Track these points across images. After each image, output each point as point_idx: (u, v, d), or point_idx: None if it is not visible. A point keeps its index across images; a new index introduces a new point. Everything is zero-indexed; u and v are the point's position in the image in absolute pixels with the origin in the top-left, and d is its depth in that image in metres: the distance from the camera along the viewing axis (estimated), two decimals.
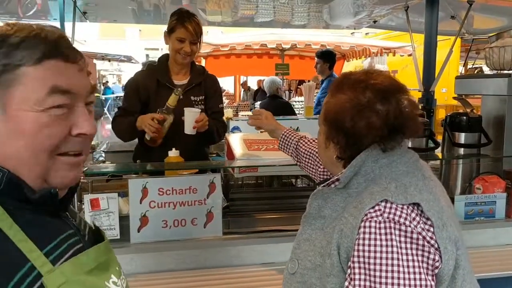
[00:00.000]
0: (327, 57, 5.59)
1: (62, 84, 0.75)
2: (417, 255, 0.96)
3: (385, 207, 1.00)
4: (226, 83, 13.55)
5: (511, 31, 2.33)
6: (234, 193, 2.17)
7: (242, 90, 12.72)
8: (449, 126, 2.33)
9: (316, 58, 5.72)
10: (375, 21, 5.49)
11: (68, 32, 4.49)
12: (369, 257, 0.96)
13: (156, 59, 2.59)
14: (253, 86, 12.87)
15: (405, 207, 1.00)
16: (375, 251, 0.95)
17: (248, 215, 2.11)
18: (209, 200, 1.90)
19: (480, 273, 1.83)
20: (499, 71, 2.36)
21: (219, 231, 1.93)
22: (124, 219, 1.86)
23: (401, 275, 0.93)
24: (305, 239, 1.16)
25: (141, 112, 2.40)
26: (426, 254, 0.97)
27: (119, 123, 2.47)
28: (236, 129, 3.97)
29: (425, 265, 0.96)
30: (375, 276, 0.94)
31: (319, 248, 1.09)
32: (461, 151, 2.35)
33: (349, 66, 11.54)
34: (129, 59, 17.61)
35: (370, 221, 0.98)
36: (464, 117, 2.31)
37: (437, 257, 0.97)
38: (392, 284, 0.92)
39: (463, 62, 10.24)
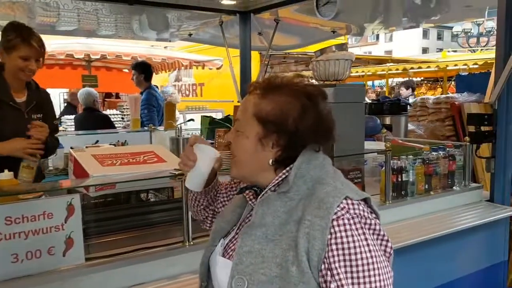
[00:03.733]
0: (142, 68, 5.48)
1: None
2: (378, 245, 1.03)
3: (347, 204, 1.03)
4: None
5: (333, 47, 2.66)
6: (88, 215, 1.96)
7: None
8: None
9: (132, 69, 5.58)
10: (190, 34, 5.61)
11: None
12: (349, 254, 0.98)
13: None
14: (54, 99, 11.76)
15: (360, 202, 1.06)
16: (354, 247, 0.98)
17: (107, 236, 1.94)
18: (67, 224, 1.68)
19: None
20: (324, 82, 2.67)
21: (81, 258, 1.72)
22: None
23: (377, 266, 0.98)
24: (247, 252, 1.07)
25: None
26: (389, 244, 1.05)
27: None
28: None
29: (386, 256, 1.04)
30: (357, 271, 0.97)
31: (272, 258, 1.04)
32: None
33: (158, 79, 11.54)
34: None
35: (343, 219, 1.01)
36: None
37: (391, 247, 1.05)
38: (374, 275, 0.97)
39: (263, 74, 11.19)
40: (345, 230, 1.00)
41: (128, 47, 7.50)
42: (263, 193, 1.15)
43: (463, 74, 8.55)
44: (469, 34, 20.83)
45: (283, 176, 1.13)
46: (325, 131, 1.14)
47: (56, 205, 1.67)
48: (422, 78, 16.24)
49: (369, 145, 3.09)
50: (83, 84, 7.67)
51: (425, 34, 44.69)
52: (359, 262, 0.98)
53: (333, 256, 0.99)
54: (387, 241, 1.06)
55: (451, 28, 24.74)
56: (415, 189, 2.77)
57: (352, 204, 1.04)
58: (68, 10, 4.64)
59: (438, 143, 3.32)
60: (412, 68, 12.16)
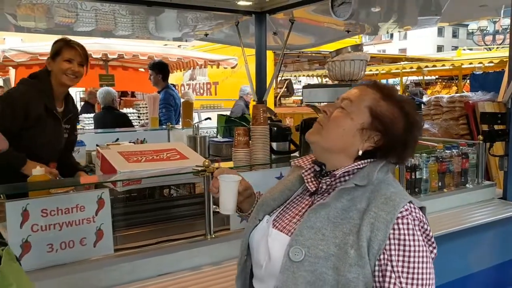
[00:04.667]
0: (159, 68, 5.58)
1: None
2: (428, 251, 1.15)
3: (410, 207, 1.15)
4: None
5: (348, 48, 2.73)
6: (116, 208, 2.07)
7: None
8: (306, 129, 2.62)
9: (149, 69, 5.69)
10: (206, 34, 5.70)
11: None
12: (409, 251, 1.10)
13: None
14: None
15: (419, 209, 1.18)
16: (414, 245, 1.11)
17: (133, 228, 2.05)
18: (98, 217, 1.79)
19: None
20: (340, 81, 2.75)
21: (110, 249, 1.83)
22: None
23: (428, 265, 1.11)
24: (309, 227, 1.16)
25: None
26: (435, 250, 1.17)
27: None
28: None
29: (431, 259, 1.15)
30: (413, 268, 1.10)
31: (332, 238, 1.13)
32: None
33: (172, 78, 11.68)
34: None
35: (407, 219, 1.13)
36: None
37: (435, 253, 1.17)
38: (425, 273, 1.10)
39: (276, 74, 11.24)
40: (408, 229, 1.12)
41: (144, 47, 7.62)
42: (350, 183, 1.21)
43: (477, 73, 8.52)
44: (485, 31, 20.64)
45: (358, 167, 1.24)
46: (409, 154, 1.28)
47: (88, 198, 1.78)
48: (436, 76, 16.17)
49: None
50: (101, 83, 7.82)
51: (440, 32, 44.32)
52: (416, 260, 1.10)
53: (394, 249, 1.11)
54: (434, 247, 1.18)
55: (466, 25, 24.53)
56: (428, 186, 2.83)
57: (414, 208, 1.16)
58: (86, 10, 4.77)
59: (452, 142, 3.37)
60: (426, 66, 12.13)
